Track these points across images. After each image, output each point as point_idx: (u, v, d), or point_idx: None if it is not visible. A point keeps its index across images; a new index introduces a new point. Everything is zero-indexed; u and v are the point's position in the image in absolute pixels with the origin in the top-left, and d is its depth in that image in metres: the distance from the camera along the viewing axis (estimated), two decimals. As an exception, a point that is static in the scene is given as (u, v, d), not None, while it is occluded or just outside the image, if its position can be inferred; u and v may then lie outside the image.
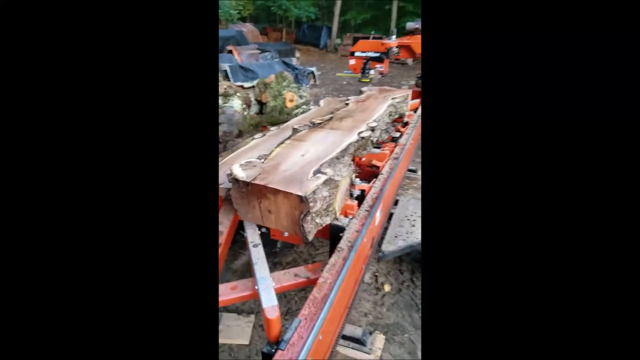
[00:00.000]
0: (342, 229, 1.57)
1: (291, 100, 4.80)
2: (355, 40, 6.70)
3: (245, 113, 3.77)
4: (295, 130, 2.07)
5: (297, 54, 12.06)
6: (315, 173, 1.48)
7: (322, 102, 3.28)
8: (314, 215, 1.36)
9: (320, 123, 2.22)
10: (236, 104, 4.75)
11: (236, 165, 1.57)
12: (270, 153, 1.73)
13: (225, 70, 7.17)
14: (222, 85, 4.76)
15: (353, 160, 1.99)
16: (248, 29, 12.39)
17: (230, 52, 9.10)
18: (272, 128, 2.52)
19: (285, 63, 7.93)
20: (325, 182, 1.43)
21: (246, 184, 1.43)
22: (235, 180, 1.46)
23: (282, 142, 1.87)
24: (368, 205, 1.74)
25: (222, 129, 2.72)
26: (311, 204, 1.32)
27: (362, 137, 1.97)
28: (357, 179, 1.77)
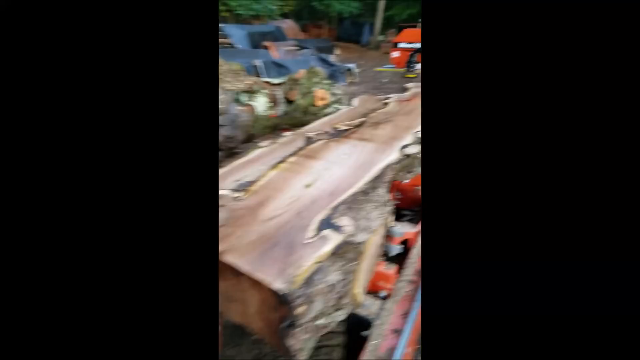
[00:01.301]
0: (366, 324, 0.87)
1: (322, 99, 4.14)
2: (400, 29, 5.82)
3: (264, 113, 3.14)
4: (307, 141, 1.39)
5: (337, 51, 11.38)
6: (321, 227, 0.79)
7: (355, 101, 2.57)
8: (308, 323, 0.67)
9: (345, 130, 1.51)
10: (261, 101, 4.16)
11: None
12: (257, 179, 1.06)
13: (258, 66, 6.64)
14: (247, 81, 4.19)
15: (391, 188, 1.27)
16: (288, 25, 11.87)
17: (266, 47, 8.63)
18: (287, 133, 1.86)
19: (321, 59, 7.27)
20: (338, 252, 0.73)
21: (192, 245, 0.77)
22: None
23: (282, 161, 1.19)
24: (414, 270, 1.02)
25: (223, 132, 2.11)
26: (300, 309, 0.63)
27: (407, 155, 1.25)
28: (397, 227, 1.05)
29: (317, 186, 0.99)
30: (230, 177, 1.16)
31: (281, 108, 4.07)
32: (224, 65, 4.05)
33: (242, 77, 4.27)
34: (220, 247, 0.74)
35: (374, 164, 1.14)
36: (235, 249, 0.73)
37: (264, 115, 3.04)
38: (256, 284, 0.66)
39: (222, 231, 0.79)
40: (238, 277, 0.70)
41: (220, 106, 2.49)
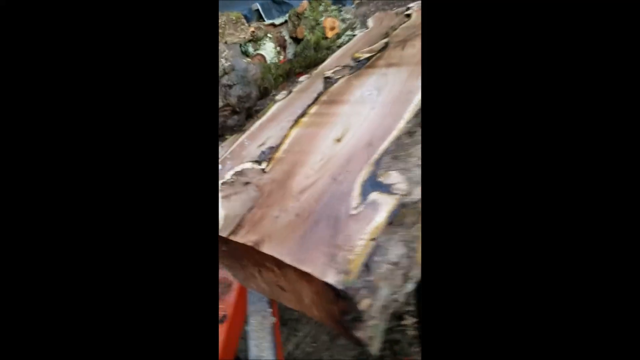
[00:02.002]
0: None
1: (332, 29, 3.73)
2: None
3: (274, 60, 2.87)
4: (326, 82, 1.18)
5: (337, -30, 10.13)
6: (366, 191, 0.64)
7: (370, 22, 2.23)
8: (376, 311, 0.55)
9: (368, 59, 1.27)
10: (269, 48, 3.83)
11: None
12: (280, 143, 0.90)
13: (257, 10, 6.08)
14: (247, 30, 3.85)
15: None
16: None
17: (261, -13, 7.87)
18: (302, 78, 1.65)
19: (322, -17, 6.49)
20: (394, 219, 0.58)
21: (223, 240, 0.66)
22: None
23: (302, 114, 1.01)
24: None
25: (235, 92, 1.92)
26: (364, 303, 0.51)
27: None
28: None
29: (349, 138, 0.82)
30: (252, 143, 1.02)
31: (290, 50, 3.74)
32: (221, 16, 3.72)
33: (243, 25, 3.93)
34: (255, 236, 0.62)
35: (412, 94, 0.92)
36: (271, 236, 0.61)
37: (274, 63, 2.76)
38: (304, 275, 0.55)
39: (252, 215, 0.67)
40: (282, 268, 0.59)
41: (225, 64, 2.27)
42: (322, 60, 2.01)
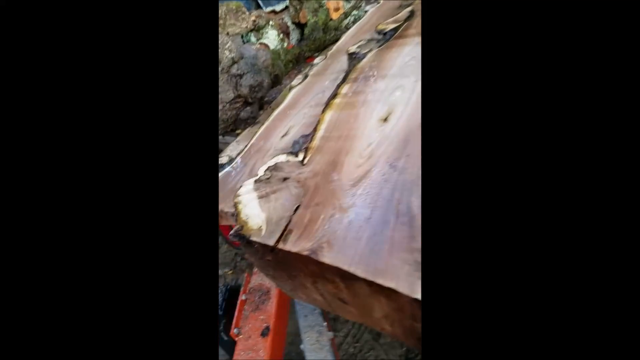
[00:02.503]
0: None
1: (336, 9, 3.56)
2: None
3: (279, 47, 2.73)
4: (352, 59, 1.05)
5: (331, -49, 9.79)
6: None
7: (380, -5, 2.07)
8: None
9: (395, 30, 1.13)
10: (272, 36, 3.69)
11: (246, 186, 0.68)
12: (314, 130, 0.78)
13: (255, -1, 5.89)
14: (249, 19, 3.71)
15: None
16: (269, -60, 10.28)
17: (256, -25, 7.62)
18: (316, 60, 1.53)
19: (319, -35, 6.24)
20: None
21: (270, 248, 0.55)
22: (242, 238, 0.58)
23: (334, 95, 0.89)
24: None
25: (246, 82, 1.79)
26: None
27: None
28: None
29: (398, 116, 0.69)
30: (274, 133, 0.90)
31: (294, 36, 3.59)
32: (221, 7, 3.57)
33: (244, 15, 3.78)
34: (310, 243, 0.51)
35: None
36: (330, 241, 0.49)
37: (283, 48, 2.62)
38: (382, 289, 0.43)
39: (300, 217, 0.56)
40: (348, 280, 0.48)
41: (229, 55, 2.14)
42: (332, 42, 1.86)
